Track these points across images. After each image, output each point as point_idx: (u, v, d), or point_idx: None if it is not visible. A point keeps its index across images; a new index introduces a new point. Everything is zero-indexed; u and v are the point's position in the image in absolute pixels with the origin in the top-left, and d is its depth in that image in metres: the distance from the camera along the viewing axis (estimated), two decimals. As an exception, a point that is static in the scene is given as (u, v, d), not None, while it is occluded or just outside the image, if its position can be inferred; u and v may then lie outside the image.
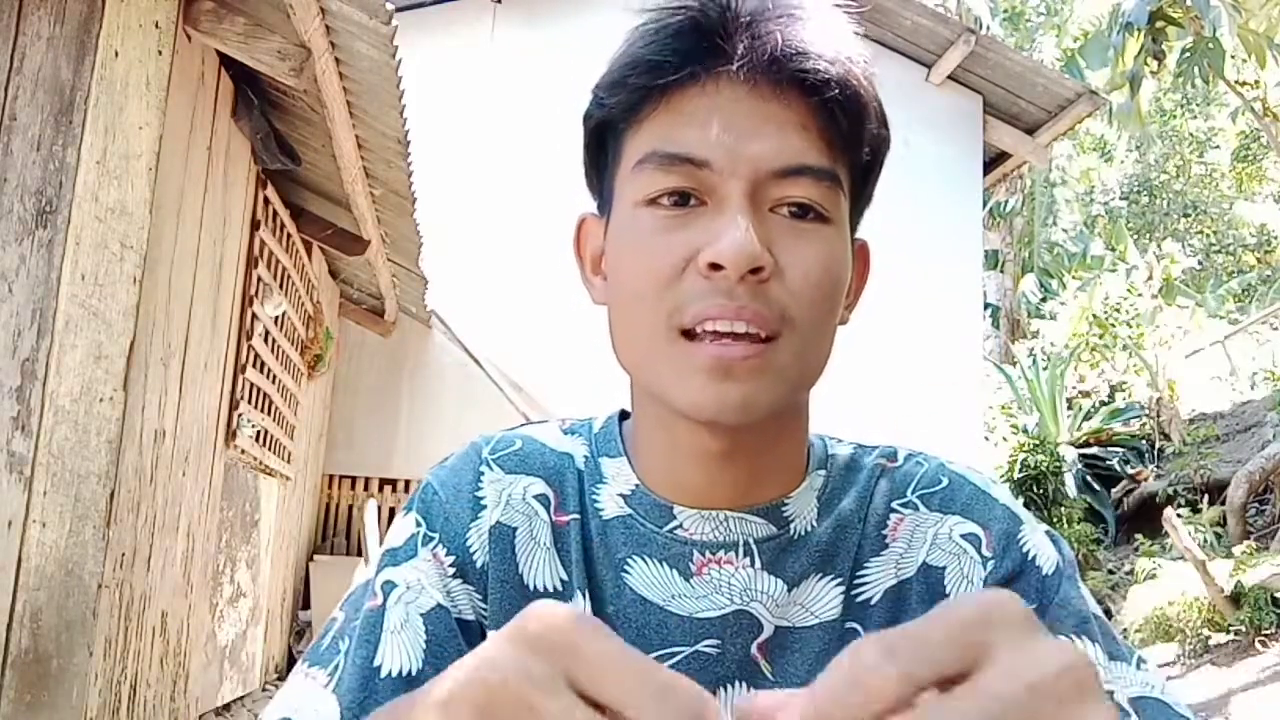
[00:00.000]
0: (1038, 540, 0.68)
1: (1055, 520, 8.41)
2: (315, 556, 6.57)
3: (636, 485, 0.69)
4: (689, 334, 0.60)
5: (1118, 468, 9.63)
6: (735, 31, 0.60)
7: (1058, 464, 8.81)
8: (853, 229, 0.67)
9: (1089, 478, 9.42)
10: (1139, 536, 8.36)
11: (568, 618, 0.33)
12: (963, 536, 0.68)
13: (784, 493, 0.68)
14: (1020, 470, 8.84)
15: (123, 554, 2.88)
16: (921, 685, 0.29)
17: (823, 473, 0.71)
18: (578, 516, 0.70)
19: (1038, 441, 9.16)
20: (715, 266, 0.58)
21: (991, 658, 0.30)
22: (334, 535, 6.89)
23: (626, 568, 0.68)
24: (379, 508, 5.97)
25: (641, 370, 0.64)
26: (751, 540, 0.67)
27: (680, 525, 0.67)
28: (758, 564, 0.67)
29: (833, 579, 0.68)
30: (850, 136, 0.62)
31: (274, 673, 5.62)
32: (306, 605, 6.31)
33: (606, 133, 0.66)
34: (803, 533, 0.68)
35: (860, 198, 0.67)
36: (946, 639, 0.30)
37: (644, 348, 0.63)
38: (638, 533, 0.68)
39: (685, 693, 0.31)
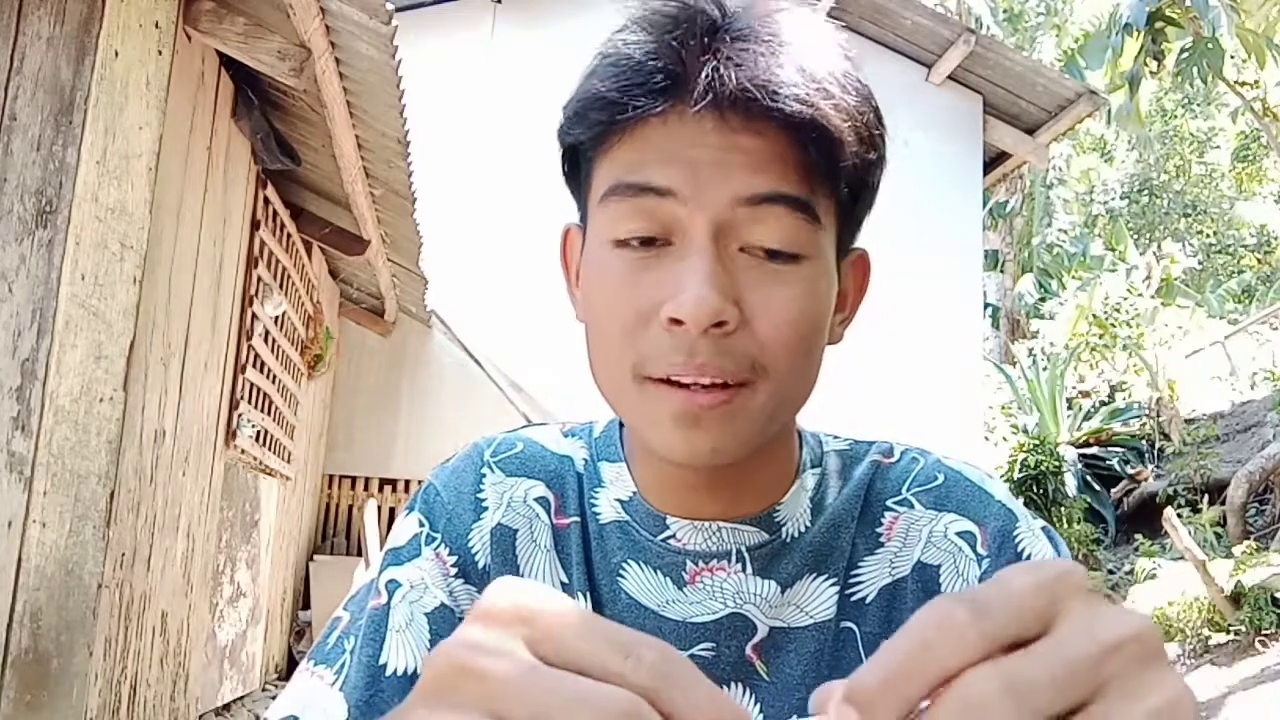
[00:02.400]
0: (1033, 538, 0.68)
1: (1055, 520, 8.41)
2: (315, 556, 6.57)
3: (634, 493, 0.69)
4: (655, 379, 0.59)
5: (1118, 468, 9.63)
6: (696, 69, 0.57)
7: (1058, 464, 8.81)
8: (846, 246, 0.65)
9: (1089, 478, 9.42)
10: (1139, 536, 8.36)
11: (527, 588, 0.33)
12: (958, 534, 0.68)
13: (775, 499, 0.68)
14: (1020, 470, 8.84)
15: (123, 554, 2.88)
16: (1002, 644, 0.30)
17: (816, 471, 0.70)
18: (578, 519, 0.70)
19: (1038, 441, 9.15)
20: (676, 321, 0.57)
21: (1063, 619, 0.31)
22: (334, 535, 6.89)
23: (622, 572, 0.68)
24: (379, 508, 5.96)
25: (614, 406, 0.64)
26: (744, 548, 0.67)
27: (673, 535, 0.67)
28: (750, 569, 0.67)
29: (827, 579, 0.68)
30: (827, 171, 0.59)
31: (274, 673, 5.62)
32: (306, 605, 6.31)
33: (577, 157, 0.64)
34: (795, 535, 0.68)
35: (850, 219, 0.64)
36: (1023, 600, 0.31)
37: (614, 388, 0.62)
38: (633, 539, 0.68)
39: (651, 647, 0.31)
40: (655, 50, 0.58)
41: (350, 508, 6.93)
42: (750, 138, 0.57)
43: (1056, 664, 0.29)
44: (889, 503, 0.70)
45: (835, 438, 0.74)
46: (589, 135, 0.61)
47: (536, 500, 0.71)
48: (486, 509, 0.70)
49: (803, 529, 0.68)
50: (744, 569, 0.67)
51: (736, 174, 0.57)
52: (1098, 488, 9.44)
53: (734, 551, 0.67)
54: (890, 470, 0.71)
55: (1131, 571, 7.90)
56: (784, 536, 0.67)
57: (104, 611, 2.69)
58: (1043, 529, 0.69)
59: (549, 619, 0.32)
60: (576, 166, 0.65)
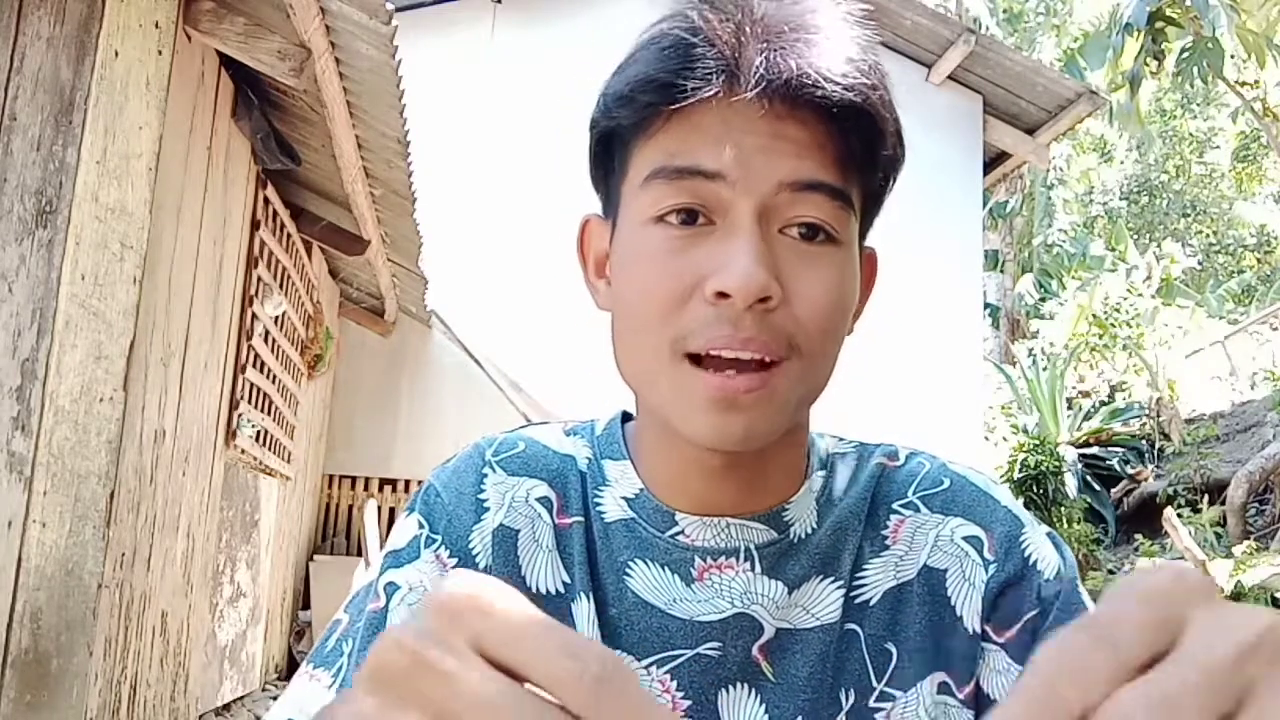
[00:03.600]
0: (1039, 544, 0.68)
1: (1055, 520, 8.41)
2: (315, 556, 6.57)
3: (640, 489, 0.69)
4: (694, 358, 0.60)
5: (1118, 468, 9.63)
6: (750, 55, 0.58)
7: (1058, 464, 8.81)
8: (861, 240, 0.66)
9: (1089, 478, 9.42)
10: (1139, 536, 8.36)
11: (477, 584, 0.32)
12: (964, 539, 0.68)
13: (784, 498, 0.68)
14: (1020, 470, 8.84)
15: (123, 554, 2.88)
16: (1135, 666, 0.29)
17: (822, 473, 0.71)
18: (580, 519, 0.70)
19: (1038, 441, 9.15)
20: (722, 295, 0.58)
21: (1190, 628, 0.30)
22: (334, 535, 6.89)
23: (628, 571, 0.68)
24: (379, 508, 5.96)
25: (644, 389, 0.64)
26: (752, 546, 0.67)
27: (682, 531, 0.67)
28: (758, 569, 0.67)
29: (833, 581, 0.68)
30: (864, 160, 0.61)
31: (274, 673, 5.62)
32: (306, 605, 6.31)
33: (614, 142, 0.64)
34: (803, 536, 0.68)
35: (870, 215, 0.66)
36: (1145, 615, 0.30)
37: (647, 368, 0.62)
38: (640, 537, 0.68)
39: (600, 659, 0.30)
40: (708, 36, 0.59)
41: (350, 508, 6.93)
42: (796, 126, 0.59)
43: (1197, 674, 0.28)
44: (895, 505, 0.70)
45: (841, 439, 0.75)
46: (633, 119, 0.61)
47: (539, 500, 0.71)
48: (488, 510, 0.70)
49: (810, 530, 0.68)
50: (752, 568, 0.67)
51: (782, 160, 0.59)
52: (1098, 488, 9.44)
53: (743, 549, 0.67)
54: (896, 473, 0.72)
55: (1131, 571, 7.89)
56: (792, 536, 0.68)
57: (104, 611, 2.69)
58: (1047, 535, 0.69)
59: (504, 616, 0.31)
60: (609, 153, 0.65)
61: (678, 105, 0.59)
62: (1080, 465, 9.36)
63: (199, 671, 3.93)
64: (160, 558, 3.26)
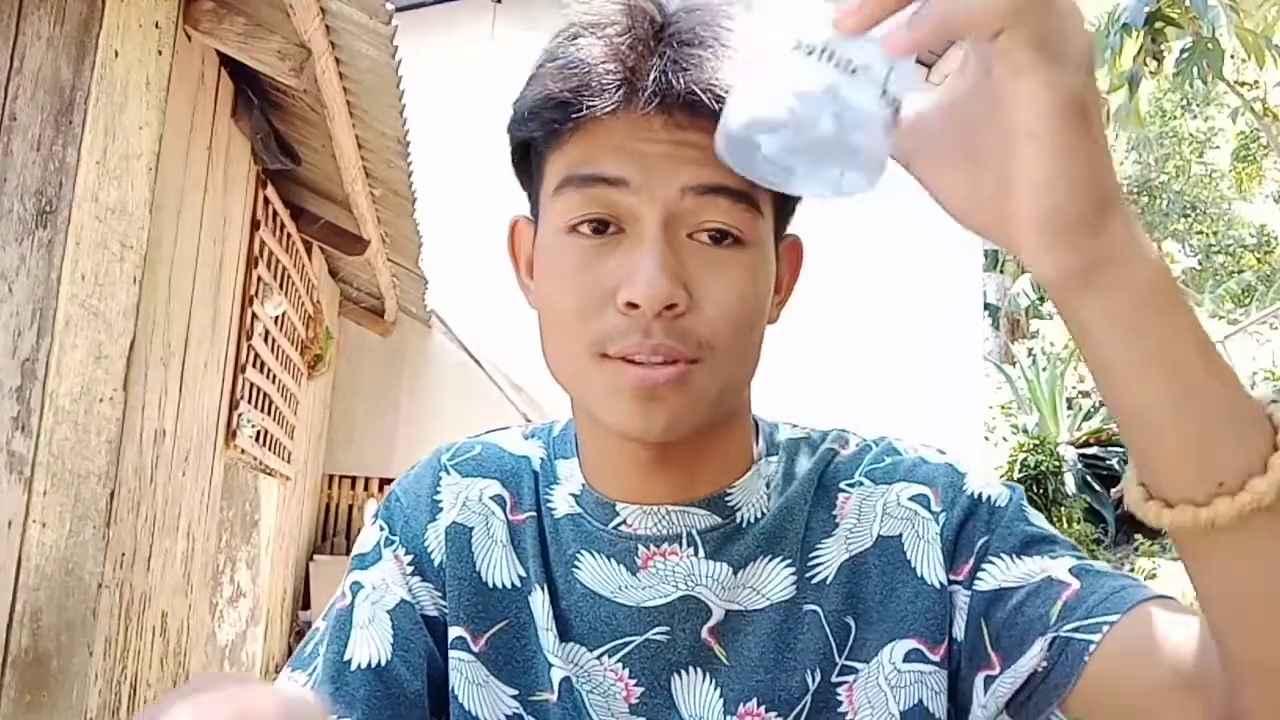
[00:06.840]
0: (985, 483, 0.69)
1: (1055, 520, 8.41)
2: (315, 556, 6.57)
3: (584, 485, 0.71)
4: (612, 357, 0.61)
5: (1118, 467, 9.62)
6: (646, 70, 0.60)
7: (1058, 464, 8.81)
8: (781, 232, 0.68)
9: (1089, 478, 9.42)
10: (1139, 536, 8.36)
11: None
12: (911, 499, 0.70)
13: (726, 484, 0.69)
14: (1020, 470, 8.84)
15: (123, 554, 2.88)
16: None
17: (773, 459, 0.72)
18: (533, 514, 0.73)
19: (1038, 441, 9.15)
20: (632, 305, 0.59)
21: None
22: (334, 535, 6.89)
23: (577, 563, 0.70)
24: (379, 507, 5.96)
25: (571, 386, 0.66)
26: (694, 531, 0.68)
27: (624, 522, 0.69)
28: (701, 553, 0.68)
29: (781, 560, 0.69)
30: None
31: (274, 672, 5.62)
32: (306, 605, 6.31)
33: (529, 151, 0.67)
34: (750, 520, 0.69)
35: (783, 213, 0.67)
36: None
37: (571, 368, 0.64)
38: (586, 530, 0.70)
39: None
40: (604, 54, 0.61)
41: (350, 508, 6.93)
42: (696, 134, 0.60)
43: None
44: (842, 484, 0.72)
45: (794, 427, 0.76)
46: (541, 132, 0.63)
47: (492, 498, 0.74)
48: (442, 509, 0.74)
49: (758, 515, 0.69)
50: (696, 553, 0.68)
51: (684, 167, 0.60)
52: (1098, 488, 9.44)
53: (685, 535, 0.68)
54: (845, 458, 0.74)
55: (1131, 571, 7.90)
56: (738, 521, 0.69)
57: (104, 611, 2.69)
58: (1004, 484, 0.70)
59: None
60: (527, 160, 0.67)
61: (580, 119, 0.61)
62: (1080, 465, 9.37)
63: (199, 671, 3.93)
64: (160, 558, 3.26)
